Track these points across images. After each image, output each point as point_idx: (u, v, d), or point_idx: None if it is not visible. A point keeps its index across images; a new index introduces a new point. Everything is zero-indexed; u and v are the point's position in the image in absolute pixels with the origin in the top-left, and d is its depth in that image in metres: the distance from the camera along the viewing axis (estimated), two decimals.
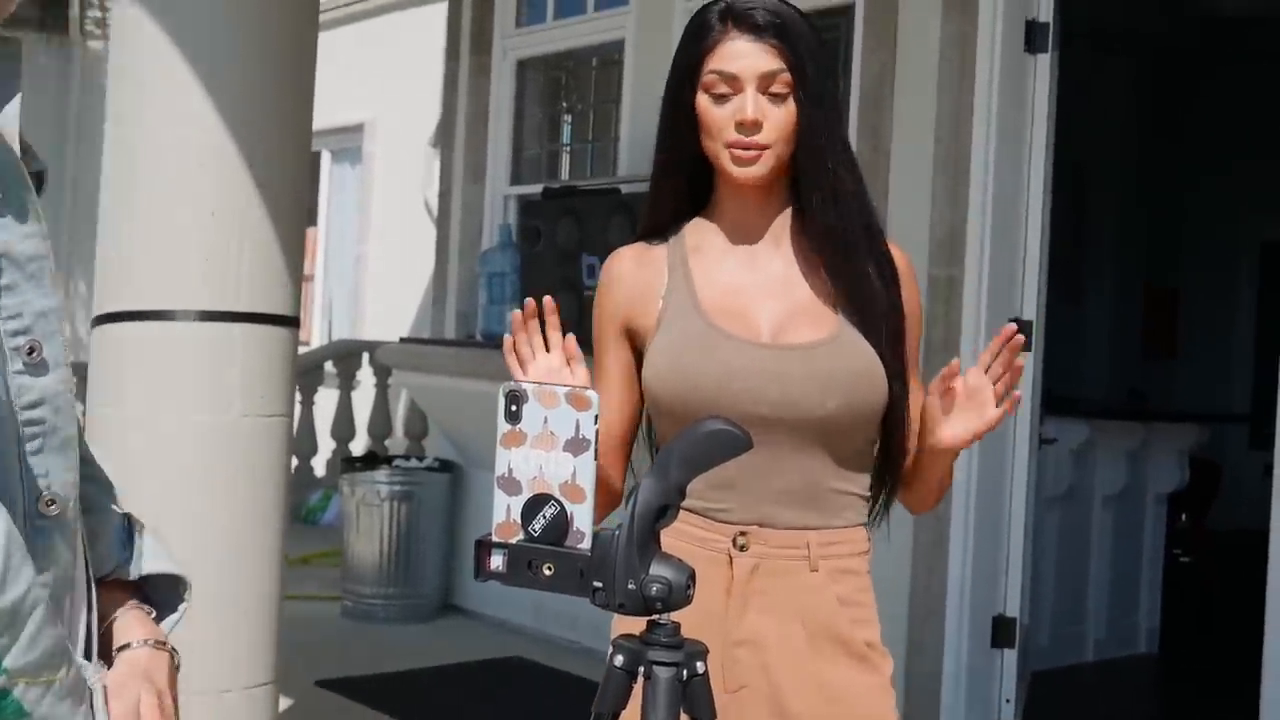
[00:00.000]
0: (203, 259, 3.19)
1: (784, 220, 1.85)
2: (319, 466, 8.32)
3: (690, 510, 1.71)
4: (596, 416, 1.23)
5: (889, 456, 1.85)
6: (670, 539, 1.70)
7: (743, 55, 1.74)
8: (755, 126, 1.74)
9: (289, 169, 3.36)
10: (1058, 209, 4.66)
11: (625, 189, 5.38)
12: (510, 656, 5.44)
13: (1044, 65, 4.49)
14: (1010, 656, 4.53)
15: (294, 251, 3.37)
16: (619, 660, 1.23)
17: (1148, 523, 5.91)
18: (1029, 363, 4.38)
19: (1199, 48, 8.61)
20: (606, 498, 1.78)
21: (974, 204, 4.43)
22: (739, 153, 1.75)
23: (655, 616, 1.22)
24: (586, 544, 1.22)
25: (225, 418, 3.21)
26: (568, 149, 6.30)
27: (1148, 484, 5.87)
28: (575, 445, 1.23)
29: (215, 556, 3.19)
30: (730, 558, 1.75)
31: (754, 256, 1.83)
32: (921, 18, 4.54)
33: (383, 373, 7.78)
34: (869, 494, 1.85)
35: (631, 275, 1.86)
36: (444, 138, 6.51)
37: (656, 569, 1.20)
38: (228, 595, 3.20)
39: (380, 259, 9.85)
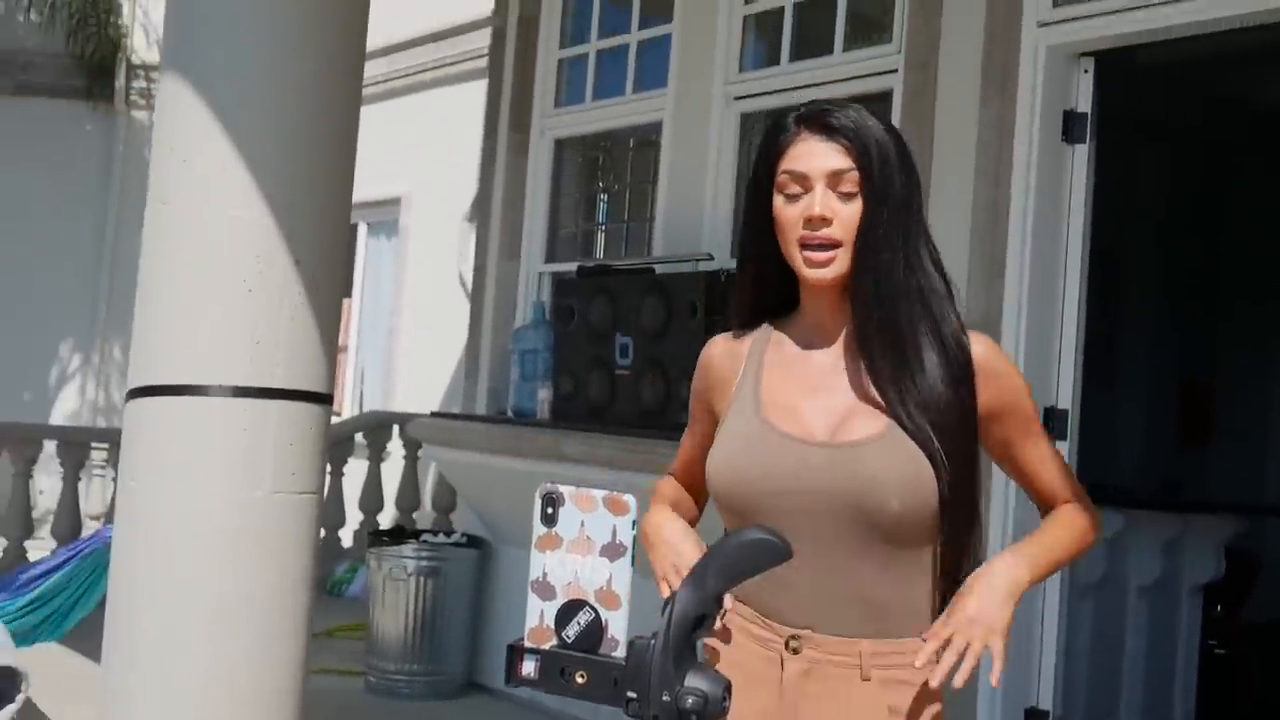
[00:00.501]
0: (239, 335, 3.20)
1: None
2: (346, 538, 8.30)
3: (752, 608, 1.78)
4: (635, 522, 1.22)
5: (949, 561, 1.81)
6: (734, 634, 1.76)
7: (813, 155, 1.78)
8: (823, 222, 1.76)
9: (328, 246, 3.38)
10: (1092, 297, 4.64)
11: (659, 269, 5.39)
12: None
13: (1081, 155, 4.49)
14: None
15: (330, 329, 3.38)
16: None
17: (1183, 614, 5.82)
18: (1064, 453, 4.34)
19: (1232, 139, 8.62)
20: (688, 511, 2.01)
21: (1009, 292, 4.42)
22: (810, 253, 1.78)
23: None
24: (621, 652, 1.21)
25: (256, 494, 3.21)
26: (603, 228, 6.32)
27: (1183, 575, 5.79)
28: (612, 550, 1.22)
29: (242, 634, 3.18)
30: (782, 660, 1.75)
31: (823, 358, 1.86)
32: (960, 105, 4.56)
33: (413, 445, 7.78)
34: (937, 602, 1.81)
35: (718, 361, 1.94)
36: (480, 214, 6.55)
37: (692, 680, 1.18)
38: (254, 674, 3.18)
39: (413, 331, 9.89)
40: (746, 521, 1.70)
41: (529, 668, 1.23)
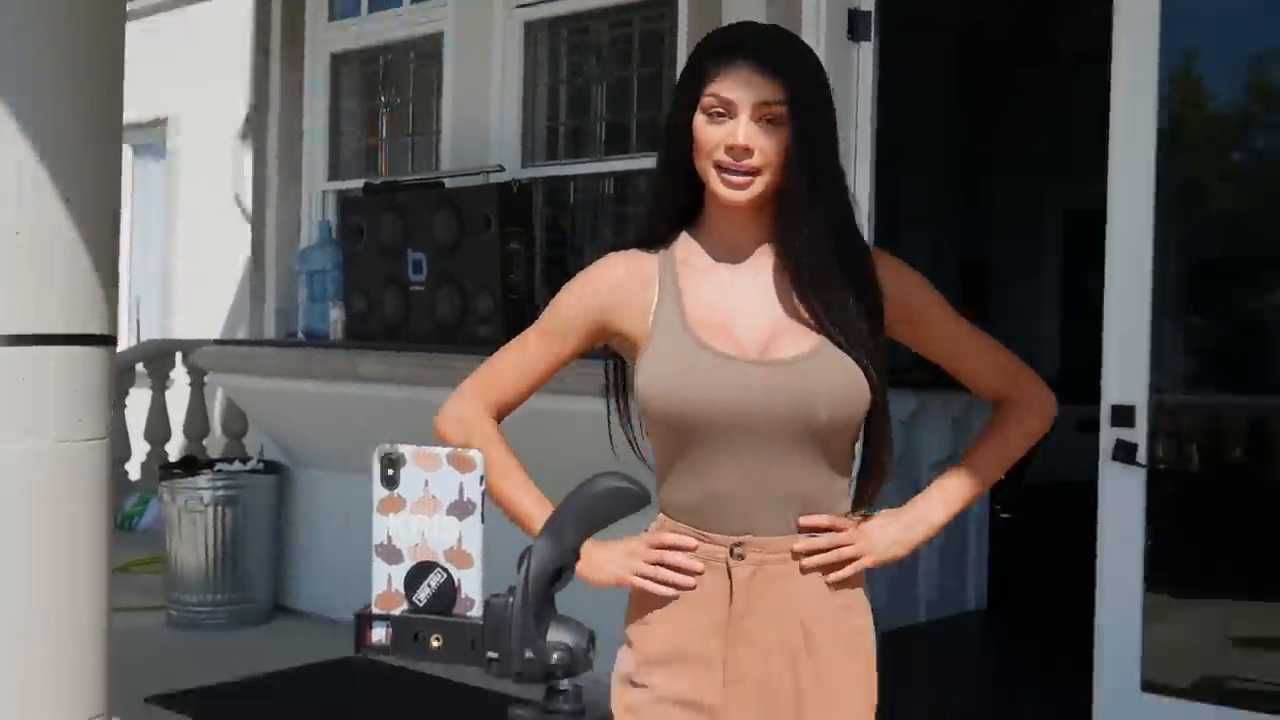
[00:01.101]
0: (8, 281, 3.01)
1: (769, 237, 1.89)
2: (134, 470, 8.01)
3: (687, 523, 1.83)
4: (483, 478, 1.18)
5: (871, 463, 1.92)
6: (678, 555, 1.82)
7: (743, 84, 1.79)
8: (744, 152, 1.79)
9: (99, 179, 3.19)
10: (878, 190, 4.73)
11: (449, 183, 5.30)
12: (349, 656, 5.31)
13: (866, 53, 4.54)
14: None
15: (108, 267, 3.20)
16: None
17: None
18: None
19: (1012, 34, 8.89)
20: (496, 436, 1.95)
21: None
22: (727, 176, 1.81)
23: (556, 683, 1.18)
24: (477, 611, 1.18)
25: (42, 445, 3.05)
26: (386, 144, 6.15)
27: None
28: (460, 508, 1.19)
29: (39, 587, 3.04)
30: (729, 568, 1.81)
31: (739, 274, 1.89)
32: (745, 7, 4.55)
33: (197, 373, 7.53)
34: (852, 487, 1.93)
35: (623, 280, 1.91)
36: (257, 134, 6.32)
37: (555, 634, 1.16)
38: (54, 627, 3.05)
39: (188, 256, 9.54)
40: (685, 440, 1.79)
41: (379, 635, 1.19)
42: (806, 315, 1.83)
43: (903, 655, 5.28)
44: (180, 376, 7.94)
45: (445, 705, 4.85)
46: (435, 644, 1.18)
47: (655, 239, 1.92)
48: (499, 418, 1.98)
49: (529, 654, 1.16)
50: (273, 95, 6.16)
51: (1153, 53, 3.92)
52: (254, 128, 6.41)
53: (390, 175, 5.80)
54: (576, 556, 1.19)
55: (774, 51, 1.82)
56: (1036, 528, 7.30)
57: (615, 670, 1.89)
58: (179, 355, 7.89)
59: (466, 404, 1.97)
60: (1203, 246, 4.41)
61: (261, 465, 5.92)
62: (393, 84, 6.13)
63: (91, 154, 3.16)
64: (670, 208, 1.91)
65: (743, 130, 1.77)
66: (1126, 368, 3.97)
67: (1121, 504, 3.97)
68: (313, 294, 5.67)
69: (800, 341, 1.82)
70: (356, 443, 5.56)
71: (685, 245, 1.91)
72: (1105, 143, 3.87)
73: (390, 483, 1.20)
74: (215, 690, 4.91)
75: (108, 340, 3.18)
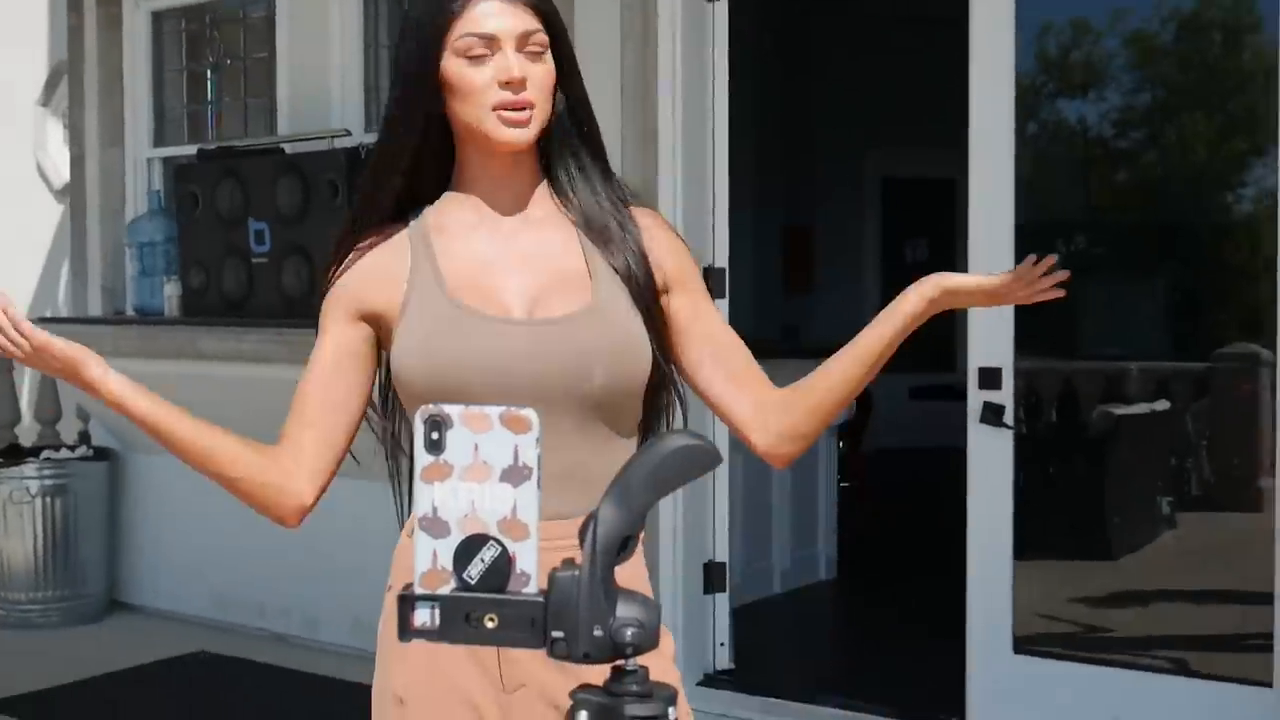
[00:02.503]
0: None
1: (531, 189, 1.76)
2: None
3: None
4: (538, 439, 1.07)
5: (652, 427, 1.78)
6: None
7: (497, 14, 1.66)
8: (522, 85, 1.65)
9: None
10: None
11: (290, 149, 5.06)
12: (194, 651, 5.10)
13: (722, 13, 4.50)
14: (722, 600, 4.59)
15: None
16: (583, 717, 1.07)
17: (821, 455, 6.12)
18: (721, 310, 4.41)
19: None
20: (272, 476, 1.67)
21: (664, 156, 4.41)
22: (508, 114, 1.66)
23: (622, 663, 1.07)
24: (533, 587, 1.06)
25: None
26: (218, 108, 5.85)
27: None
28: (514, 474, 1.06)
29: None
30: None
31: (501, 230, 1.73)
32: None
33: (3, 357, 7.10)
34: None
35: (366, 262, 1.72)
36: (73, 98, 5.94)
37: (625, 609, 1.06)
38: None
39: None
40: None
41: (424, 617, 1.06)
42: (579, 268, 1.71)
43: (764, 627, 5.29)
44: None
45: (290, 697, 4.67)
46: (490, 625, 1.06)
47: (386, 208, 1.73)
48: (330, 446, 1.72)
49: (598, 632, 1.05)
50: (89, 57, 5.80)
51: (1009, 16, 3.96)
52: (69, 91, 6.02)
53: (224, 140, 5.51)
54: (643, 523, 1.08)
55: None
56: (876, 494, 7.41)
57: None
58: None
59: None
60: (1063, 210, 4.51)
61: (91, 452, 5.59)
62: (221, 44, 5.82)
63: None
64: (411, 170, 1.72)
65: (515, 63, 1.65)
66: (992, 330, 4.02)
67: (990, 465, 4.02)
68: (144, 268, 5.37)
69: (572, 299, 1.68)
70: None
71: (437, 212, 1.74)
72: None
73: (435, 447, 1.07)
74: (51, 693, 4.63)
75: None
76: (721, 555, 4.59)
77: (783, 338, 8.42)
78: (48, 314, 7.30)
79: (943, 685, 4.14)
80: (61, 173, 7.92)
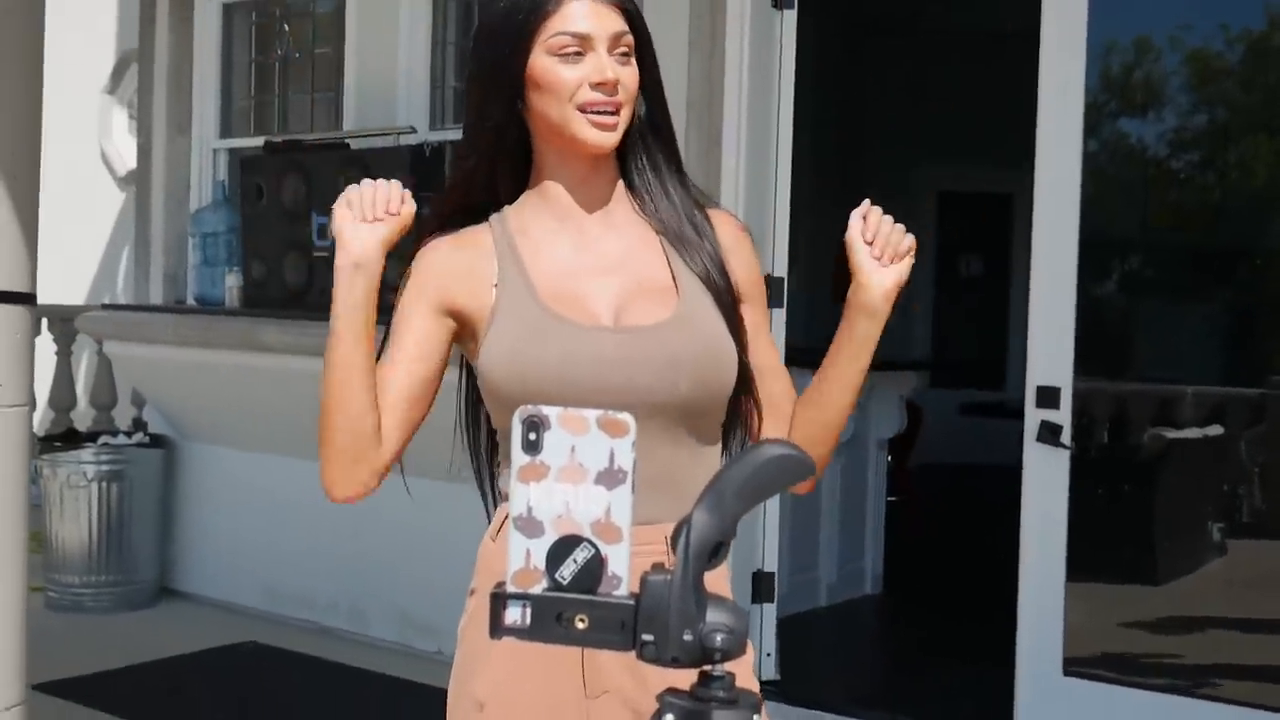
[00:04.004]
0: None
1: (612, 192, 1.75)
2: None
3: None
4: (634, 444, 1.07)
5: (733, 432, 1.78)
6: None
7: (591, 15, 1.66)
8: (615, 87, 1.65)
9: (20, 127, 2.97)
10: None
11: (355, 143, 5.10)
12: (243, 641, 5.14)
13: (790, 21, 4.50)
14: (769, 610, 4.58)
15: (29, 219, 2.99)
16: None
17: (870, 468, 6.10)
18: (778, 320, 4.41)
19: (877, 8, 8.94)
20: (366, 444, 1.64)
21: (727, 162, 4.42)
22: (598, 116, 1.66)
23: (710, 668, 1.07)
24: (623, 590, 1.07)
25: None
26: (284, 101, 5.90)
27: (870, 430, 6.05)
28: (609, 477, 1.07)
29: None
30: None
31: (584, 234, 1.73)
32: None
33: (64, 341, 7.18)
34: None
35: (453, 258, 1.71)
36: (142, 86, 6.01)
37: (715, 615, 1.06)
38: None
39: (46, 216, 9.07)
40: None
41: (515, 615, 1.07)
42: (663, 274, 1.71)
43: (809, 639, 5.28)
44: (44, 345, 7.57)
45: (341, 690, 4.70)
46: (581, 625, 1.06)
47: (474, 209, 1.74)
48: (402, 434, 1.70)
49: (688, 637, 1.05)
50: (160, 47, 5.86)
51: (1081, 34, 3.94)
52: (139, 80, 6.09)
53: (289, 133, 5.55)
54: (734, 531, 1.09)
55: None
56: (924, 510, 7.37)
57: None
58: (44, 322, 7.52)
59: None
60: (1123, 229, 4.48)
61: (147, 438, 5.65)
62: (290, 37, 5.87)
63: (13, 97, 2.94)
64: (495, 172, 1.72)
65: (607, 64, 1.64)
66: (1052, 350, 3.99)
67: (1045, 485, 4.00)
68: (206, 258, 5.42)
69: (657, 306, 1.68)
70: (254, 416, 5.34)
71: (517, 213, 1.73)
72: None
73: (532, 448, 1.07)
74: (102, 677, 4.68)
75: (28, 298, 2.97)
76: (770, 565, 4.58)
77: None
78: (107, 299, 7.39)
79: (988, 705, 4.12)
80: (125, 160, 8.02)
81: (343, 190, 1.71)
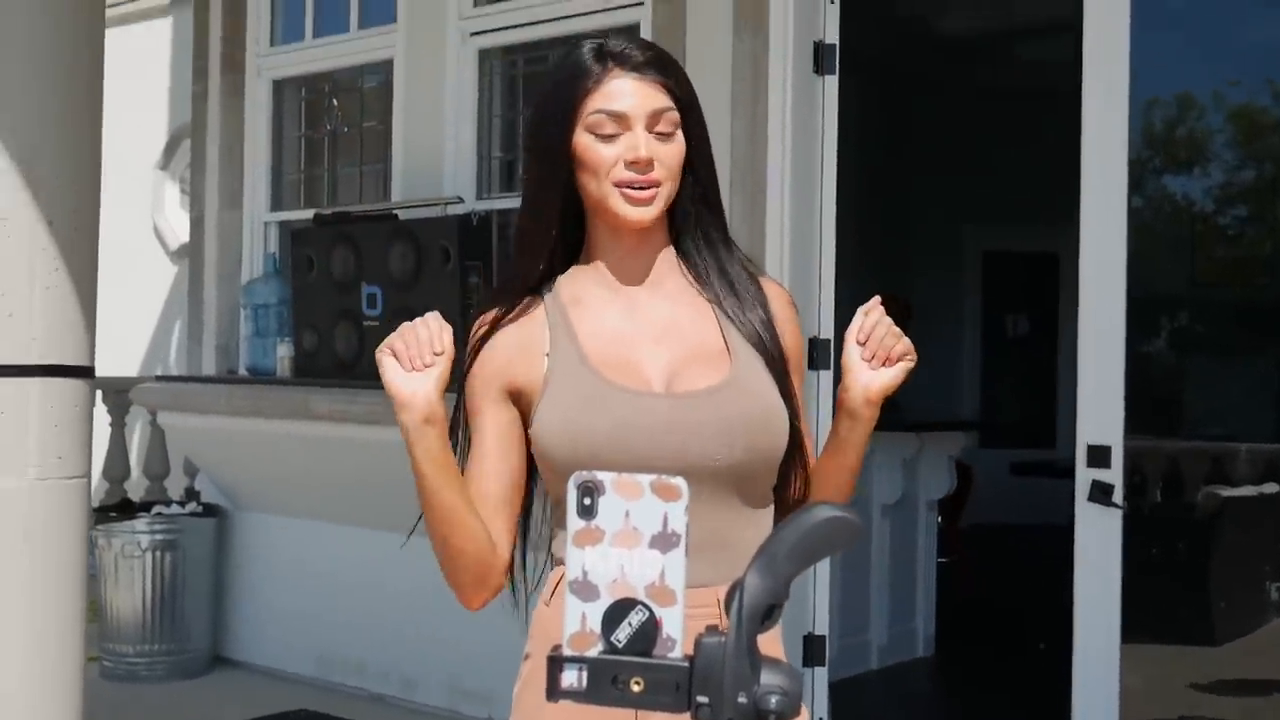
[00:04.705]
0: None
1: (662, 262, 1.79)
2: None
3: None
4: (687, 508, 1.09)
5: (787, 498, 1.79)
6: None
7: (630, 94, 1.69)
8: (649, 165, 1.68)
9: (81, 201, 3.05)
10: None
11: (402, 215, 5.17)
12: (295, 710, 5.14)
13: (831, 86, 4.54)
14: (821, 674, 4.55)
15: (88, 295, 3.06)
16: None
17: (920, 529, 6.07)
18: (825, 381, 4.41)
19: (920, 70, 8.99)
20: (488, 559, 1.68)
21: (771, 225, 4.44)
22: (632, 193, 1.69)
23: None
24: (678, 652, 1.08)
25: (20, 483, 2.89)
26: (333, 174, 5.99)
27: (919, 491, 6.03)
28: (663, 541, 1.09)
29: (16, 635, 2.87)
30: None
31: (636, 303, 1.76)
32: (711, 38, 4.52)
33: (118, 412, 7.28)
34: None
35: (507, 338, 1.75)
36: (194, 162, 6.12)
37: (769, 678, 1.07)
38: (31, 681, 2.88)
39: (103, 290, 9.21)
40: None
41: (571, 679, 1.09)
42: (715, 339, 1.73)
43: (862, 702, 5.24)
44: (99, 416, 7.67)
45: None
46: (636, 688, 1.08)
47: (531, 283, 1.77)
48: (511, 532, 1.75)
49: (742, 699, 1.07)
50: (211, 122, 5.98)
51: (1123, 91, 3.95)
52: (191, 155, 6.21)
53: (338, 206, 5.64)
54: (788, 592, 1.10)
55: (649, 55, 1.73)
56: (975, 571, 7.32)
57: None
58: (99, 394, 7.63)
59: None
60: (1169, 286, 4.47)
61: (200, 508, 5.70)
62: (339, 112, 5.98)
63: (74, 172, 3.02)
64: (550, 245, 1.75)
65: (643, 142, 1.68)
66: (1102, 408, 3.97)
67: (1098, 545, 3.96)
68: (258, 329, 5.49)
69: (710, 371, 1.70)
70: (306, 485, 5.38)
71: (570, 283, 1.76)
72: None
73: (587, 513, 1.09)
74: None
75: (87, 372, 3.03)
76: (821, 628, 4.56)
77: (882, 410, 8.36)
78: (160, 371, 7.49)
79: None
80: (177, 234, 8.15)
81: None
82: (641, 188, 1.68)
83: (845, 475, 1.78)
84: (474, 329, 1.77)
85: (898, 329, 1.70)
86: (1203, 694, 4.21)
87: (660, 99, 1.69)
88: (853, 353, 1.70)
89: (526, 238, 1.77)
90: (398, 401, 1.61)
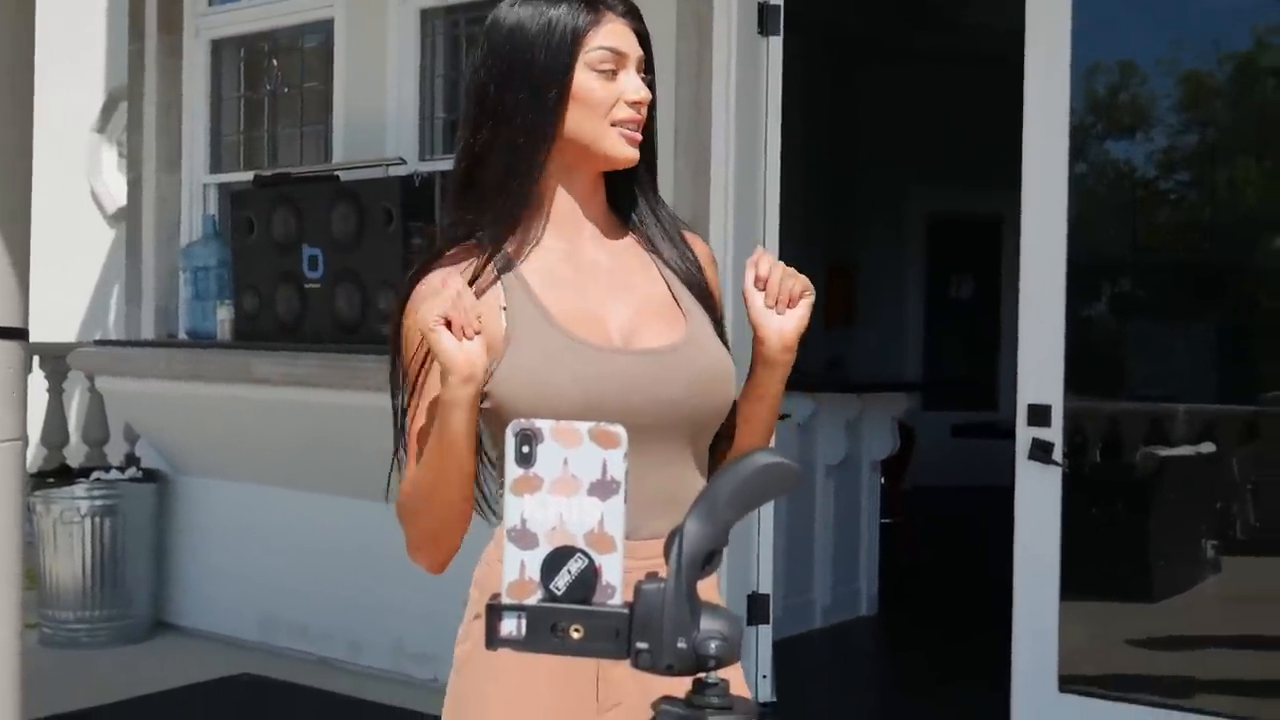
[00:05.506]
0: None
1: (605, 217, 1.77)
2: None
3: None
4: (626, 455, 1.09)
5: (719, 448, 1.78)
6: None
7: (624, 34, 1.69)
8: (644, 106, 1.70)
9: (11, 162, 2.98)
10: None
11: (345, 176, 5.12)
12: (238, 674, 5.12)
13: (776, 47, 4.54)
14: (765, 632, 4.59)
15: (21, 256, 3.00)
16: None
17: (864, 490, 6.12)
18: None
19: (864, 33, 9.00)
20: (467, 514, 1.64)
21: (715, 188, 4.44)
22: (629, 133, 1.69)
23: (704, 675, 1.09)
24: (617, 599, 1.08)
25: None
26: (273, 135, 5.92)
27: (863, 452, 6.07)
28: (602, 488, 1.08)
29: None
30: None
31: (584, 256, 1.73)
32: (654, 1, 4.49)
33: (55, 378, 7.18)
34: None
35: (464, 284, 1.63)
36: (131, 123, 6.03)
37: (709, 623, 1.07)
38: None
39: (38, 254, 9.08)
40: None
41: (510, 627, 1.08)
42: (664, 296, 1.72)
43: (805, 661, 5.28)
44: (36, 382, 7.57)
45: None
46: (575, 635, 1.08)
47: (513, 221, 1.69)
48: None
49: (682, 644, 1.07)
50: (149, 83, 5.89)
51: (1064, 56, 3.97)
52: (129, 117, 6.11)
53: (278, 167, 5.57)
54: (726, 539, 1.10)
55: (630, 4, 1.73)
56: (917, 531, 7.39)
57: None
58: (36, 360, 7.52)
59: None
60: (1112, 250, 4.50)
61: (140, 473, 5.64)
62: (278, 72, 5.91)
63: (2, 137, 2.95)
64: (527, 190, 1.67)
65: (640, 83, 1.69)
66: (1042, 368, 4.01)
67: (1038, 503, 4.01)
68: (198, 292, 5.44)
69: (665, 327, 1.69)
70: (248, 448, 5.34)
71: (510, 233, 1.69)
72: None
73: (525, 461, 1.09)
74: (97, 712, 4.67)
75: (20, 334, 2.98)
76: (765, 587, 4.59)
77: (828, 370, 8.42)
78: (98, 336, 7.39)
79: None
80: (114, 197, 8.04)
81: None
82: (636, 129, 1.69)
83: (768, 419, 1.78)
84: (415, 285, 1.69)
85: (790, 269, 1.68)
86: (1140, 647, 4.27)
87: (640, 44, 1.71)
88: (756, 303, 1.68)
89: (508, 184, 1.67)
90: (460, 374, 1.52)
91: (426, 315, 1.53)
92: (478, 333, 1.53)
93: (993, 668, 4.11)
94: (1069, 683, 3.99)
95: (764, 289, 1.68)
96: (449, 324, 1.52)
